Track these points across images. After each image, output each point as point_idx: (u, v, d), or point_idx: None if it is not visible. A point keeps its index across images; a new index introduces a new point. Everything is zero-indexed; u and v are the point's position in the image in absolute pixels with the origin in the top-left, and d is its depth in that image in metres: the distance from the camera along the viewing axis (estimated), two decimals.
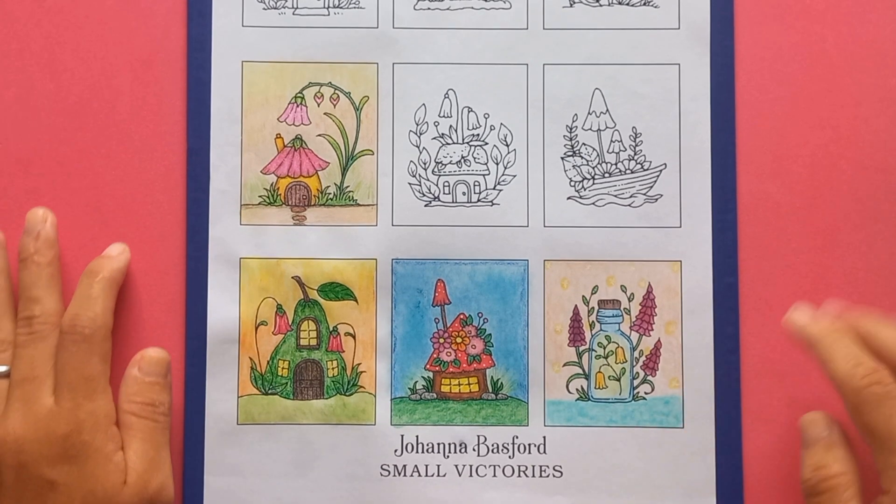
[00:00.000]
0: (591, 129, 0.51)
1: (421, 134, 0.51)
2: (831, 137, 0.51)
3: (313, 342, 0.51)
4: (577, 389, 0.51)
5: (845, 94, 0.51)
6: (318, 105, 0.51)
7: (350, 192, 0.51)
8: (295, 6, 0.51)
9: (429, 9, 0.51)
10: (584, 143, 0.51)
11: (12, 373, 0.47)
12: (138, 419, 0.47)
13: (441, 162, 0.51)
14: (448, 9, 0.51)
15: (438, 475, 0.50)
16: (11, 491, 0.45)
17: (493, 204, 0.51)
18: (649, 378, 0.50)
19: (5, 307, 0.48)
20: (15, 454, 0.45)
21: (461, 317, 0.51)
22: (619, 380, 0.51)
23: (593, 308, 0.51)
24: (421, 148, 0.51)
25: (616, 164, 0.51)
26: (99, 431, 0.46)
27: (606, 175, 0.51)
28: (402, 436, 0.50)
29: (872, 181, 0.51)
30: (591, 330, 0.51)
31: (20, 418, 0.46)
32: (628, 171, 0.51)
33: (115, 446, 0.46)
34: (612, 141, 0.51)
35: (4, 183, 0.51)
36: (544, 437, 0.50)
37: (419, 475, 0.50)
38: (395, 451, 0.50)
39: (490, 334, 0.51)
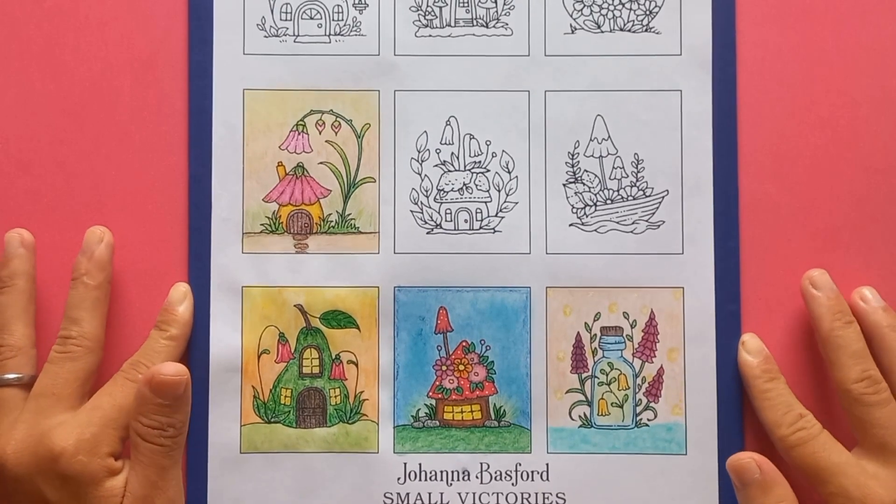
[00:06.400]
0: (592, 155, 0.51)
1: (423, 161, 0.51)
2: (831, 139, 0.51)
3: (316, 370, 0.51)
4: (579, 416, 0.50)
5: (845, 97, 0.51)
6: (320, 132, 0.51)
7: (352, 219, 0.51)
8: (296, 34, 0.51)
9: (430, 36, 0.51)
10: (585, 170, 0.51)
11: (34, 385, 0.47)
12: (142, 441, 0.46)
13: (443, 189, 0.51)
14: (449, 36, 0.51)
15: (442, 503, 0.50)
16: (12, 502, 0.45)
17: (495, 231, 0.51)
18: (652, 405, 0.50)
19: (20, 311, 0.48)
20: (13, 466, 0.45)
21: (463, 344, 0.51)
22: (621, 406, 0.51)
23: (596, 335, 0.51)
24: (423, 175, 0.51)
25: (618, 190, 0.51)
26: (96, 456, 0.45)
27: (608, 202, 0.51)
28: (405, 464, 0.50)
29: (872, 181, 0.51)
30: (593, 357, 0.51)
31: (25, 430, 0.46)
32: (630, 198, 0.51)
33: (108, 473, 0.46)
34: (614, 167, 0.51)
35: (4, 183, 0.51)
36: (547, 465, 0.50)
37: (422, 503, 0.50)
38: (399, 479, 0.50)
39: (493, 361, 0.51)
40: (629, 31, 0.51)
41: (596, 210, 0.51)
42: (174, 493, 0.46)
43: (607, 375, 0.51)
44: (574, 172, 0.51)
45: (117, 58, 0.51)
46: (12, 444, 0.45)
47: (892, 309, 0.49)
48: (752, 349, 0.49)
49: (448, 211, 0.51)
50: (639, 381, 0.51)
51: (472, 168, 0.51)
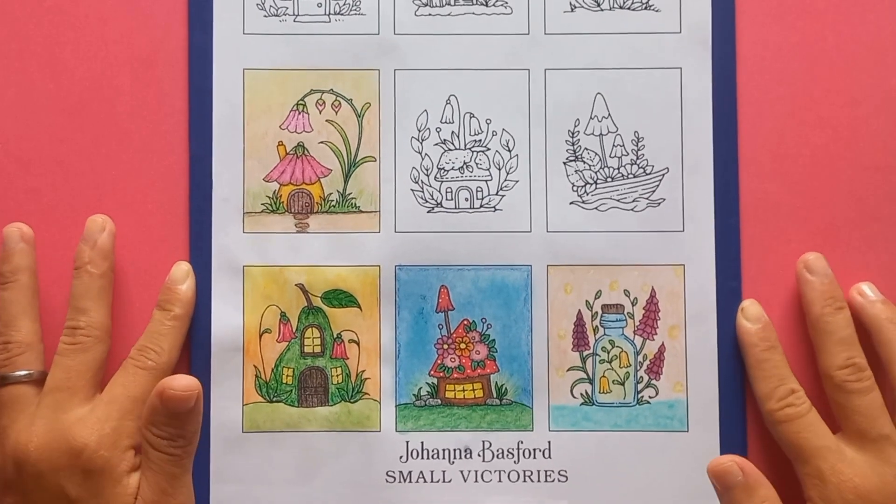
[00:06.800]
0: (593, 133, 0.51)
1: (423, 140, 0.51)
2: (831, 137, 0.51)
3: (317, 349, 0.51)
4: (581, 394, 0.51)
5: (845, 94, 0.51)
6: (320, 112, 0.51)
7: (353, 198, 0.51)
8: (296, 13, 0.51)
9: (430, 15, 0.51)
10: (586, 148, 0.51)
11: (47, 380, 0.47)
12: (152, 450, 0.45)
13: (443, 168, 0.51)
14: (449, 14, 0.51)
15: (444, 481, 0.50)
16: (32, 499, 0.45)
17: (496, 209, 0.51)
18: (653, 382, 0.51)
19: (26, 307, 0.48)
20: (35, 463, 0.45)
21: (465, 323, 0.51)
22: (623, 384, 0.51)
23: (597, 313, 0.51)
24: (423, 154, 0.51)
25: (618, 168, 0.51)
26: (116, 450, 0.46)
27: (609, 180, 0.51)
28: (408, 442, 0.50)
29: (872, 181, 0.51)
30: (594, 334, 0.51)
31: (45, 426, 0.46)
32: (631, 176, 0.51)
33: (129, 468, 0.46)
34: (614, 145, 0.51)
35: (4, 183, 0.51)
36: (549, 442, 0.50)
37: (424, 481, 0.50)
38: (401, 457, 0.50)
39: (494, 340, 0.51)
40: (629, 8, 0.51)
41: (596, 188, 0.51)
42: (184, 498, 0.46)
43: (608, 353, 0.51)
44: (574, 150, 0.51)
45: (118, 49, 0.51)
46: (34, 440, 0.45)
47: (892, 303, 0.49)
48: (751, 315, 0.49)
49: (449, 189, 0.51)
50: (640, 358, 0.51)
51: (473, 147, 0.51)
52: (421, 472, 0.50)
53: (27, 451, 0.45)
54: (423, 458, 0.50)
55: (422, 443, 0.50)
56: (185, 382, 0.44)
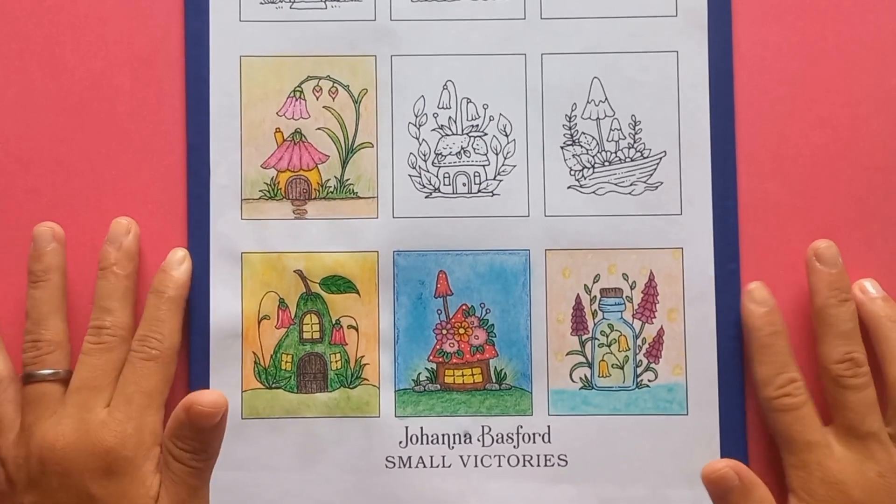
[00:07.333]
0: (590, 117, 0.51)
1: (420, 126, 0.51)
2: (831, 137, 0.51)
3: (316, 335, 0.51)
4: (580, 378, 0.51)
5: (845, 94, 0.51)
6: (317, 98, 0.51)
7: (350, 184, 0.51)
8: (292, 0, 0.51)
9: (426, 0, 0.51)
10: (583, 132, 0.51)
11: (72, 379, 0.47)
12: (174, 461, 0.45)
13: (441, 153, 0.51)
14: (445, 0, 0.51)
15: (443, 466, 0.50)
16: (55, 498, 0.45)
17: (494, 194, 0.51)
18: (652, 366, 0.50)
19: (56, 306, 0.48)
20: (61, 461, 0.45)
21: (463, 308, 0.51)
22: (622, 368, 0.51)
23: (595, 297, 0.51)
24: (420, 139, 0.51)
25: (616, 152, 0.51)
26: (141, 449, 0.46)
27: (606, 163, 0.51)
28: (407, 427, 0.50)
29: (872, 180, 0.51)
30: (593, 318, 0.51)
31: (72, 425, 0.46)
32: (628, 160, 0.51)
33: (154, 467, 0.46)
34: (611, 129, 0.51)
35: (4, 183, 0.51)
36: (549, 427, 0.50)
37: (424, 466, 0.50)
38: (400, 442, 0.50)
39: (493, 325, 0.51)
40: None
41: (594, 172, 0.51)
42: None
43: (607, 337, 0.51)
44: (571, 135, 0.51)
45: (117, 56, 0.51)
46: (61, 439, 0.46)
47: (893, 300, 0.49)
48: (758, 298, 0.49)
49: (446, 175, 0.51)
50: (639, 342, 0.51)
51: (470, 132, 0.51)
52: (420, 457, 0.50)
53: (54, 450, 0.45)
54: (422, 443, 0.50)
55: (421, 428, 0.50)
56: (212, 398, 0.44)
